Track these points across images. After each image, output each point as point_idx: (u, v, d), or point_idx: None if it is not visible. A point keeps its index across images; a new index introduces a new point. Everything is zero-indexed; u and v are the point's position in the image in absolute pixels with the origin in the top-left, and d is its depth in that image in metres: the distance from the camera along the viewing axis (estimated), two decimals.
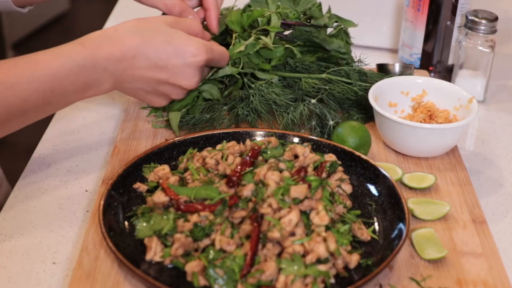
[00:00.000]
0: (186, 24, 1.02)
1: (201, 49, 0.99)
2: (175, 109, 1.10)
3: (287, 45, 1.13)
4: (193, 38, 1.00)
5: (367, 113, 1.13)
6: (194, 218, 0.84)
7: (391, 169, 1.01)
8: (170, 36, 0.98)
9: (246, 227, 0.83)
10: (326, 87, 1.12)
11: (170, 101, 1.05)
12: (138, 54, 0.96)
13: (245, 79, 1.13)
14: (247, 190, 0.86)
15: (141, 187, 0.94)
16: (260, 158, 0.93)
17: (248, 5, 1.20)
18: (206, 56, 1.00)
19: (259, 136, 1.02)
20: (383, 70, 1.20)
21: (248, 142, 0.96)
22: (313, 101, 1.11)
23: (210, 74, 1.10)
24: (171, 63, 0.98)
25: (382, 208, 0.92)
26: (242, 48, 1.09)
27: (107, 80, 0.96)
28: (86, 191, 1.00)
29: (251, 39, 1.10)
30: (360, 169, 0.97)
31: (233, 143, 0.97)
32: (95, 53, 0.93)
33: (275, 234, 0.81)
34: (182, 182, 0.92)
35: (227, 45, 1.12)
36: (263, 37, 1.10)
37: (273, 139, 0.95)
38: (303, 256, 0.80)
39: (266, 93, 1.10)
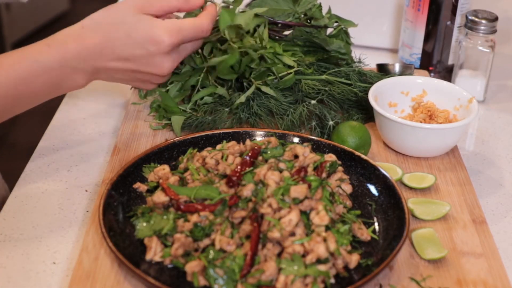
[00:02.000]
0: (162, 3, 0.98)
1: (164, 35, 0.96)
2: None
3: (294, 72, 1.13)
4: (157, 24, 0.96)
5: (367, 113, 1.13)
6: (194, 218, 0.84)
7: (391, 169, 1.01)
8: (132, 27, 0.96)
9: (246, 227, 0.83)
10: (326, 88, 1.12)
11: (158, 85, 1.05)
12: (104, 49, 0.95)
13: (245, 84, 1.13)
14: (247, 190, 0.86)
15: (141, 187, 0.94)
16: (260, 158, 0.93)
17: (249, 6, 1.20)
18: (171, 40, 0.96)
19: (259, 136, 1.02)
20: (383, 70, 1.20)
21: (248, 142, 0.96)
22: (313, 102, 1.11)
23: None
24: (136, 54, 0.97)
25: (382, 208, 0.92)
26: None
27: (79, 76, 0.96)
28: (86, 191, 1.00)
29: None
30: (360, 169, 0.97)
31: (233, 143, 0.97)
32: (60, 53, 0.93)
33: (275, 234, 0.81)
34: (182, 182, 0.92)
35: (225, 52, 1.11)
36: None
37: (273, 139, 0.95)
38: (303, 256, 0.80)
39: (265, 99, 1.10)
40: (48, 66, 0.92)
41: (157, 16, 0.98)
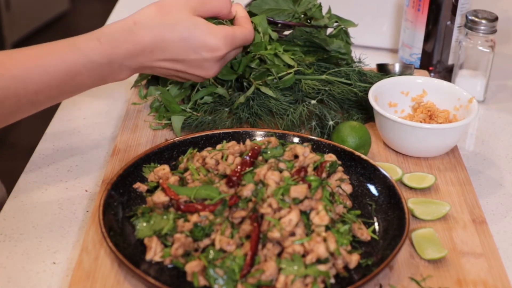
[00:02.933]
0: (212, 5, 0.99)
1: (220, 44, 0.96)
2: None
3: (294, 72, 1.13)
4: (214, 31, 0.96)
5: (367, 113, 1.13)
6: (194, 218, 0.84)
7: (391, 169, 1.01)
8: (188, 32, 0.95)
9: (246, 227, 0.83)
10: (326, 88, 1.12)
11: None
12: (155, 49, 0.95)
13: (245, 83, 1.14)
14: (247, 190, 0.86)
15: (141, 187, 0.94)
16: (260, 158, 0.93)
17: (249, 6, 1.20)
18: (226, 49, 0.98)
19: (259, 136, 1.02)
20: (383, 70, 1.20)
21: (248, 142, 0.96)
22: (313, 102, 1.11)
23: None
24: (189, 58, 0.97)
25: (382, 208, 0.92)
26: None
27: (124, 72, 0.96)
28: (86, 191, 1.00)
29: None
30: (360, 169, 0.97)
31: (233, 143, 0.97)
32: (111, 50, 0.93)
33: (275, 234, 0.81)
34: (182, 182, 0.92)
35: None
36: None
37: (273, 139, 0.95)
38: (303, 256, 0.80)
39: (265, 99, 1.10)
40: (96, 62, 0.92)
41: (204, 17, 0.98)
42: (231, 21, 1.04)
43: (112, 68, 0.94)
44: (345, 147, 0.99)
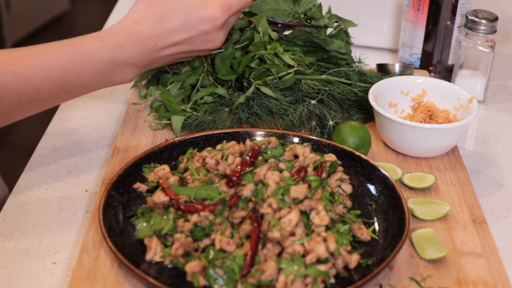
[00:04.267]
0: None
1: (217, 12, 0.98)
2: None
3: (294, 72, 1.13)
4: (208, 2, 0.98)
5: (367, 113, 1.13)
6: (194, 218, 0.84)
7: (391, 169, 1.01)
8: (184, 13, 0.96)
9: (246, 227, 0.83)
10: (326, 88, 1.12)
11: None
12: (158, 40, 0.96)
13: (245, 83, 1.14)
14: (247, 190, 0.86)
15: (141, 187, 0.94)
16: (260, 158, 0.93)
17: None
18: (225, 16, 0.99)
19: (259, 136, 1.02)
20: (383, 70, 1.20)
21: (248, 142, 0.96)
22: (313, 102, 1.11)
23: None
24: (192, 36, 0.98)
25: (382, 208, 0.92)
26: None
27: (131, 71, 0.96)
28: (86, 191, 1.00)
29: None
30: (360, 169, 0.97)
31: (233, 143, 0.97)
32: (115, 49, 0.93)
33: (275, 234, 0.81)
34: (182, 182, 0.92)
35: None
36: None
37: (273, 139, 0.95)
38: (303, 256, 0.80)
39: (265, 99, 1.10)
40: (99, 61, 0.92)
41: None
42: None
43: (118, 68, 0.94)
44: (345, 147, 0.99)
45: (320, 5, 1.19)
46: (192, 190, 0.87)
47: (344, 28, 1.22)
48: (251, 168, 0.90)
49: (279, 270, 0.79)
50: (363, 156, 0.97)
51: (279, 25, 1.17)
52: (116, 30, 0.95)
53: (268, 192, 0.85)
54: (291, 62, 1.12)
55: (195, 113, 1.10)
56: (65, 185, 1.01)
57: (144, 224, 0.86)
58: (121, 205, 0.90)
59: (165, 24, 0.96)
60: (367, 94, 1.10)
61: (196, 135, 1.01)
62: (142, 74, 1.18)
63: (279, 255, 0.81)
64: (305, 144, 0.97)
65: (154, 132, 1.11)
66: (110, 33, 0.95)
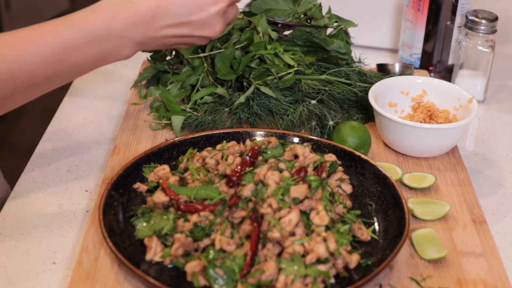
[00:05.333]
0: None
1: None
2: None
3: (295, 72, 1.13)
4: None
5: (367, 113, 1.13)
6: (194, 218, 0.84)
7: (391, 169, 1.01)
8: None
9: (246, 227, 0.83)
10: (326, 88, 1.12)
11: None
12: (157, 13, 0.92)
13: (245, 83, 1.14)
14: (247, 190, 0.86)
15: (141, 187, 0.94)
16: (260, 158, 0.93)
17: (249, 6, 1.20)
18: (228, 0, 0.96)
19: (259, 136, 1.02)
20: (383, 70, 1.20)
21: (248, 142, 0.96)
22: (313, 102, 1.11)
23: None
24: (193, 18, 0.94)
25: (382, 208, 0.92)
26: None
27: (126, 46, 0.92)
28: (86, 191, 1.00)
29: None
30: (360, 169, 0.97)
31: (233, 143, 0.97)
32: (108, 21, 0.89)
33: (275, 234, 0.81)
34: (182, 182, 0.92)
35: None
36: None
37: (273, 139, 0.95)
38: (303, 256, 0.80)
39: (265, 99, 1.10)
40: (92, 34, 0.88)
41: None
42: None
43: (112, 41, 0.90)
44: (345, 147, 0.99)
45: (320, 5, 1.19)
46: (192, 190, 0.87)
47: (344, 28, 1.22)
48: (251, 168, 0.90)
49: (279, 270, 0.79)
50: (363, 156, 0.97)
51: (279, 25, 1.17)
52: (112, 2, 0.91)
53: (268, 192, 0.85)
54: (291, 62, 1.12)
55: (195, 113, 1.10)
56: (65, 185, 1.01)
57: (144, 224, 0.86)
58: (121, 205, 0.90)
59: (167, 0, 0.92)
60: (367, 94, 1.10)
61: (196, 135, 1.01)
62: (142, 73, 1.19)
63: (279, 255, 0.81)
64: (305, 144, 0.97)
65: (154, 132, 1.11)
66: (104, 5, 0.91)
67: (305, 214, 0.84)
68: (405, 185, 0.99)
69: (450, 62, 1.32)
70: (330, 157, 0.94)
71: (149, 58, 1.19)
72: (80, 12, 0.90)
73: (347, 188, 0.93)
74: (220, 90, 1.12)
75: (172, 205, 0.88)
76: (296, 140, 1.01)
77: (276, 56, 1.12)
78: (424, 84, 1.14)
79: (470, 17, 1.20)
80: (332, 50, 1.17)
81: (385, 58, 1.41)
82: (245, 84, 1.14)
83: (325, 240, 0.81)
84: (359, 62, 1.19)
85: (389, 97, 1.13)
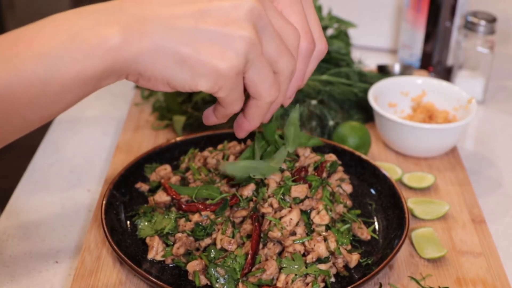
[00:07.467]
0: None
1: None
2: None
3: None
4: None
5: (367, 114, 1.14)
6: (195, 217, 0.85)
7: (391, 169, 1.01)
8: None
9: (247, 226, 0.83)
10: (327, 89, 1.12)
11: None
12: None
13: None
14: (248, 190, 0.86)
15: (142, 186, 0.94)
16: None
17: None
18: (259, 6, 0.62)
19: None
20: (384, 72, 1.21)
21: (249, 142, 0.97)
22: (314, 102, 1.12)
23: None
24: (208, 8, 0.60)
25: (382, 207, 0.92)
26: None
27: (108, 22, 0.60)
28: (88, 190, 1.00)
29: None
30: (360, 169, 0.97)
31: (234, 143, 0.98)
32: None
33: (275, 233, 0.81)
34: (184, 182, 0.92)
35: None
36: None
37: None
38: (304, 255, 0.81)
39: None
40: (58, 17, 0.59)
41: None
42: None
43: (86, 23, 0.59)
44: (345, 147, 0.99)
45: (320, 6, 1.20)
46: (193, 189, 0.88)
47: (344, 29, 1.22)
48: None
49: (280, 269, 0.80)
50: (363, 156, 0.98)
51: None
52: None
53: (269, 191, 0.85)
54: None
55: (196, 113, 1.11)
56: (67, 185, 1.02)
57: (146, 223, 0.87)
58: (123, 205, 0.90)
59: None
60: (367, 94, 1.11)
61: (198, 135, 1.02)
62: None
63: (280, 254, 0.82)
64: None
65: (156, 132, 1.11)
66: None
67: (305, 214, 0.85)
68: (405, 185, 1.00)
69: (449, 62, 1.32)
70: (330, 157, 0.94)
71: None
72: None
73: (347, 187, 0.94)
74: None
75: (174, 204, 0.88)
76: None
77: None
78: (424, 85, 1.14)
79: (469, 18, 1.21)
80: (332, 51, 1.18)
81: (385, 59, 1.41)
82: None
83: (325, 239, 0.82)
84: (359, 62, 1.20)
85: (389, 98, 1.13)
